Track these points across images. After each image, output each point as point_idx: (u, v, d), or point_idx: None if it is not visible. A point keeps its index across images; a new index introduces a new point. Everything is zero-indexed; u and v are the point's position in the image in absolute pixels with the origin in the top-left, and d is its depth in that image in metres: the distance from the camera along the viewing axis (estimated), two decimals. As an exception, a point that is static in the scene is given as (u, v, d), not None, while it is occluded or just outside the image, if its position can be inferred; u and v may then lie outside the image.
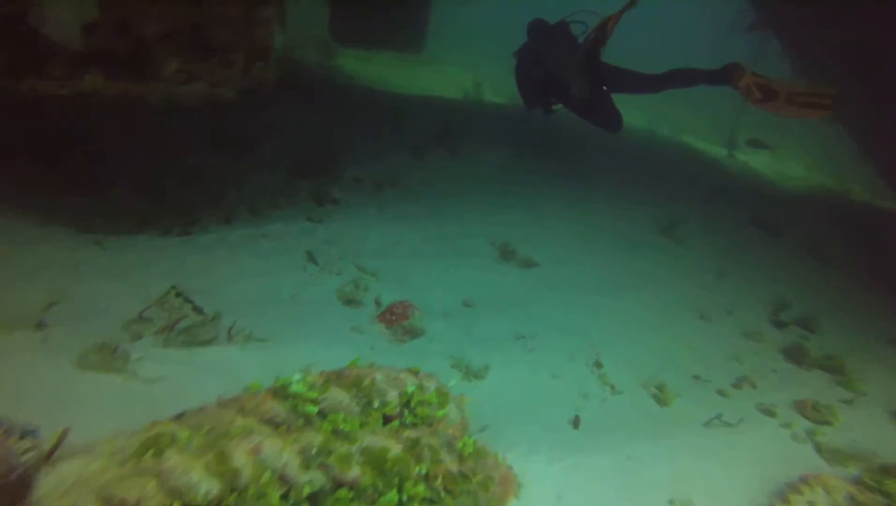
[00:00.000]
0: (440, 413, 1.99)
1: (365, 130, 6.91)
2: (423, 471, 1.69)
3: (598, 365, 3.54)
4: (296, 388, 1.77)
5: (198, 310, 3.14)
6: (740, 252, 5.87)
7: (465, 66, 20.05)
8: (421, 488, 1.65)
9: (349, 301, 3.62)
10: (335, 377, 2.05)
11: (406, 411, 1.93)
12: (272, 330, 3.12)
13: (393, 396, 1.94)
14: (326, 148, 6.29)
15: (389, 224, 4.71)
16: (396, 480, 1.63)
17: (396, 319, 3.39)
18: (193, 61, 3.31)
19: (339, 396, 1.84)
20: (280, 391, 1.78)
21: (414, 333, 3.40)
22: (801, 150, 12.60)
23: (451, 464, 1.77)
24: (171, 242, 3.90)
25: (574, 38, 4.80)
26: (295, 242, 4.14)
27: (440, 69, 18.41)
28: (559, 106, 5.04)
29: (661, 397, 3.39)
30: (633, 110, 17.00)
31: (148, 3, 3.16)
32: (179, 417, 1.67)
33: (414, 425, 1.89)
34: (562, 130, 8.25)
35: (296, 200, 5.08)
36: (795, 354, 4.26)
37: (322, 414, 1.77)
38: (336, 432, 1.69)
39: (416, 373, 2.25)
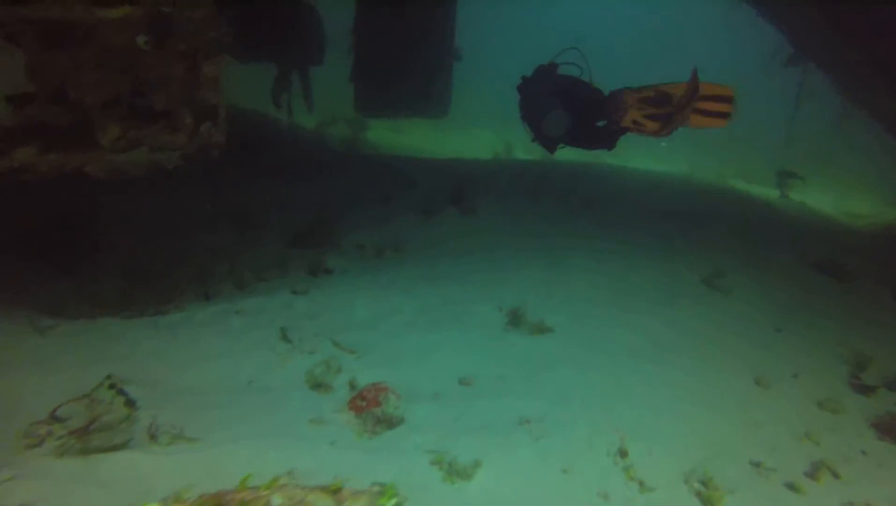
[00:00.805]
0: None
1: (374, 195, 6.57)
2: None
3: (623, 453, 2.80)
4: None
5: (130, 404, 2.67)
6: (803, 302, 5.01)
7: (498, 130, 19.97)
8: None
9: (317, 385, 3.07)
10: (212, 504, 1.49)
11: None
12: (212, 426, 2.59)
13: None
14: (333, 215, 5.96)
15: (383, 292, 4.20)
16: None
17: (367, 406, 2.81)
18: (135, 127, 3.00)
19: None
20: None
21: (389, 422, 2.80)
22: (858, 181, 11.51)
23: None
24: (131, 324, 3.51)
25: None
26: (270, 318, 3.67)
27: (475, 135, 18.43)
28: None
29: (707, 495, 2.61)
30: (674, 158, 16.34)
31: (85, 68, 2.91)
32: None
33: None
34: (588, 180, 7.69)
35: (287, 272, 4.68)
36: (890, 428, 3.37)
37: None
38: None
39: (336, 491, 1.66)
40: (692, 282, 4.99)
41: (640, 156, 18.02)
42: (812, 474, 2.89)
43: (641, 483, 2.64)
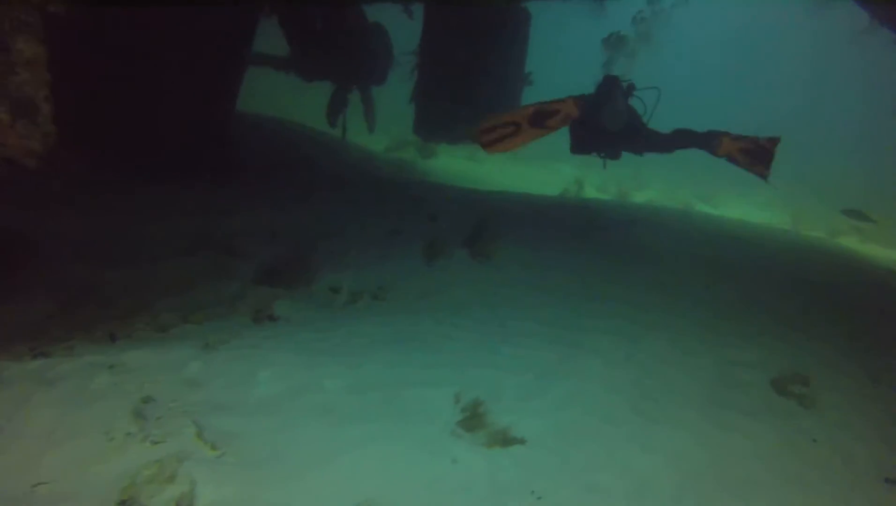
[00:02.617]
0: None
1: (384, 227, 5.66)
2: None
3: None
4: None
5: None
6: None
7: (579, 164, 18.62)
8: None
9: (129, 502, 2.12)
10: None
11: None
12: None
13: None
14: (326, 249, 5.11)
15: (314, 357, 3.20)
16: None
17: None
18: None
19: None
20: None
21: (187, 589, 1.79)
22: None
23: None
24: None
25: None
26: (142, 381, 2.79)
27: (553, 168, 17.24)
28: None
29: None
30: (749, 207, 14.18)
31: None
32: None
33: None
34: (648, 228, 6.34)
35: (230, 314, 3.84)
36: None
37: None
38: None
39: None
40: (757, 384, 3.57)
41: (738, 202, 15.93)
42: None
43: None
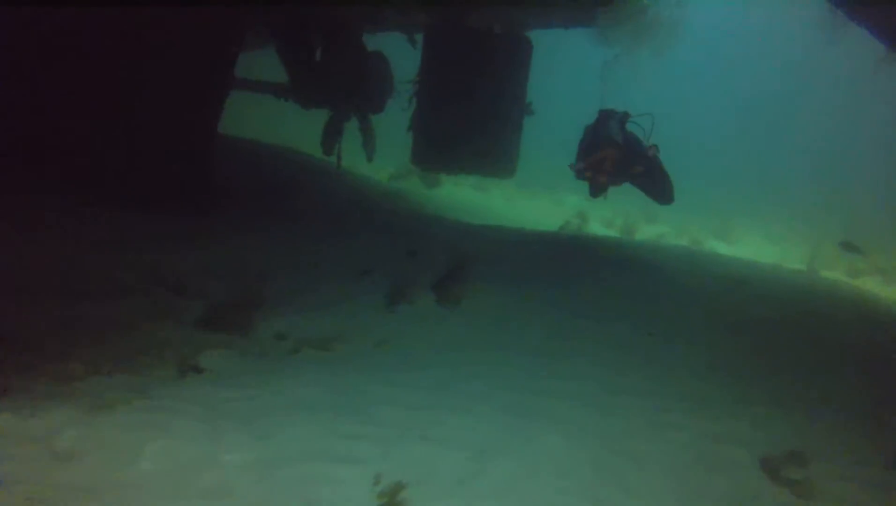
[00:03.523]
0: None
1: (354, 264, 5.28)
2: None
3: None
4: None
5: None
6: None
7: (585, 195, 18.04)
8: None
9: None
10: None
11: None
12: None
13: None
14: (287, 288, 4.74)
15: (222, 423, 2.79)
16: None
17: None
18: None
19: None
20: None
21: None
22: None
23: None
24: None
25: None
26: None
27: (558, 199, 16.84)
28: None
29: None
30: (765, 243, 13.54)
31: None
32: None
33: None
34: (641, 273, 5.87)
35: (154, 363, 3.45)
36: None
37: None
38: None
39: None
40: (743, 463, 3.06)
41: (753, 237, 15.31)
42: None
43: None
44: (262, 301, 4.43)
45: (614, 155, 6.12)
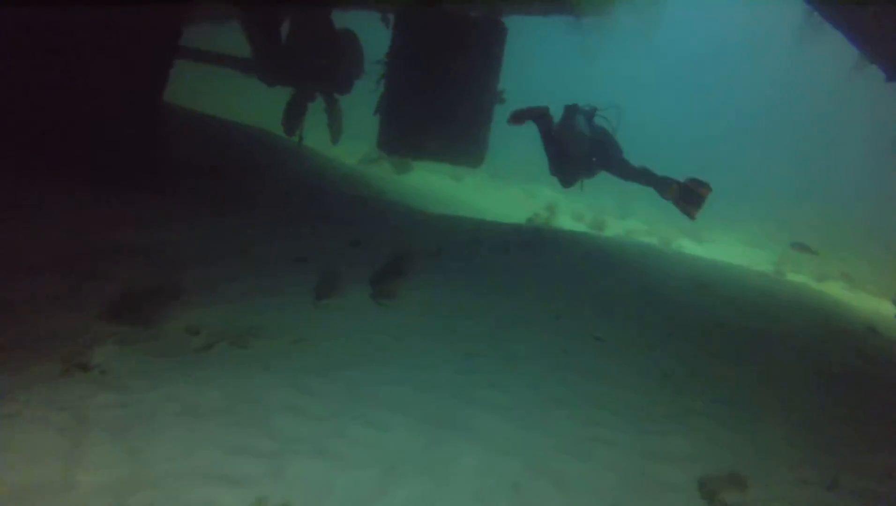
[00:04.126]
0: None
1: (291, 253, 4.93)
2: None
3: None
4: None
5: None
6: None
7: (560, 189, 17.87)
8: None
9: None
10: None
11: None
12: None
13: None
14: (212, 275, 4.39)
15: (88, 435, 2.44)
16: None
17: None
18: None
19: None
20: None
21: None
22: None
23: None
24: None
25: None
26: None
27: (532, 191, 16.59)
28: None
29: None
30: (736, 244, 13.42)
31: None
32: None
33: None
34: (609, 270, 5.62)
35: (29, 360, 3.09)
36: None
37: None
38: None
39: None
40: (681, 487, 2.81)
41: (726, 238, 15.22)
42: None
43: None
44: (181, 290, 4.07)
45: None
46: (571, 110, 6.70)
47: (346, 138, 11.37)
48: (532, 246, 5.86)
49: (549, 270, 5.30)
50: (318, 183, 8.37)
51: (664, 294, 5.48)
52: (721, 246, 14.33)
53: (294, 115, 10.16)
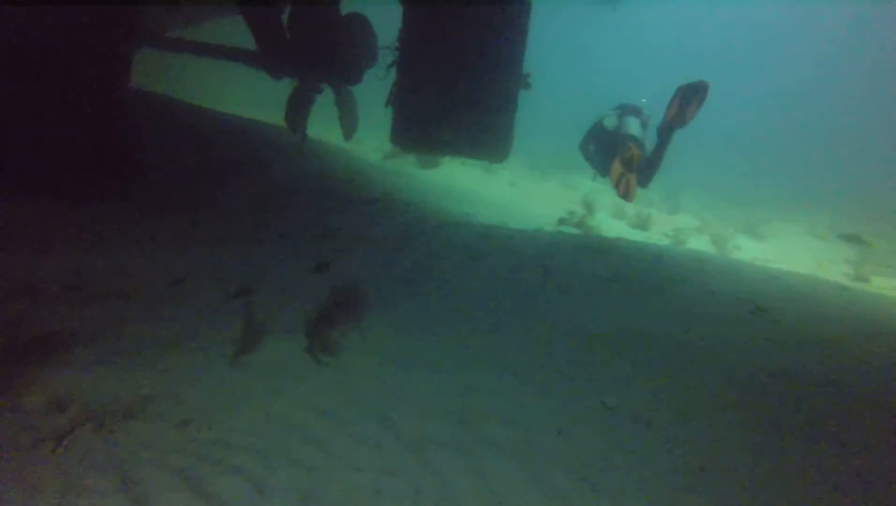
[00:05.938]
0: None
1: (226, 286, 4.02)
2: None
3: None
4: None
5: None
6: None
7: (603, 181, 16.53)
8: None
9: None
10: None
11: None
12: None
13: None
14: (101, 319, 3.54)
15: None
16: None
17: None
18: None
19: None
20: None
21: None
22: None
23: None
24: None
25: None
26: None
27: (573, 184, 15.28)
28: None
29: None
30: (800, 236, 11.75)
31: None
32: None
33: None
34: (629, 294, 4.46)
35: None
36: None
37: None
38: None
39: None
40: None
41: (787, 231, 13.47)
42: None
43: None
44: (71, 340, 3.21)
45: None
46: (632, 111, 7.33)
47: (374, 131, 10.45)
48: (548, 272, 4.72)
49: (560, 299, 4.17)
50: (301, 186, 7.46)
51: (706, 333, 4.26)
52: (784, 242, 12.63)
53: (299, 109, 9.31)
